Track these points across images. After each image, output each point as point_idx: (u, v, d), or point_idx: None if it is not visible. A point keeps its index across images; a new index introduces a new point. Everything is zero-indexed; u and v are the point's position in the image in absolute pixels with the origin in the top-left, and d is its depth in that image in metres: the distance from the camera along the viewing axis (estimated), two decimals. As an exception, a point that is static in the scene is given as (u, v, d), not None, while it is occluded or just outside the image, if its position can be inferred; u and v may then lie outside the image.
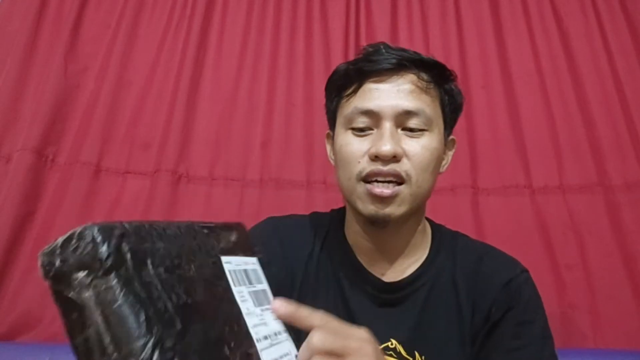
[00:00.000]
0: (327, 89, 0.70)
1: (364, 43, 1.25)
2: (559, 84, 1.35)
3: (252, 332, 0.37)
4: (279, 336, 0.40)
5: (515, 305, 0.62)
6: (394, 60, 0.62)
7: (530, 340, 0.60)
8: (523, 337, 0.60)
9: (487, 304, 0.63)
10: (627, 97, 1.29)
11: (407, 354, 0.62)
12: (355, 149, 0.62)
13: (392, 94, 0.61)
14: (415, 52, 0.64)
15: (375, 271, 0.67)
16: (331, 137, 0.71)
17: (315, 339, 0.36)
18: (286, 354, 0.39)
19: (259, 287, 0.42)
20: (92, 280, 0.28)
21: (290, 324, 0.40)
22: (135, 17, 1.44)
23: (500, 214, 1.26)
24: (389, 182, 0.60)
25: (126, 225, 0.31)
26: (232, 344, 0.34)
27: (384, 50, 0.63)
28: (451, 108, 0.68)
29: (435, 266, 0.67)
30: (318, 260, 0.69)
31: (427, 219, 0.72)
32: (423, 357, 0.62)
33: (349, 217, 0.70)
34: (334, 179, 0.69)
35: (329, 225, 0.73)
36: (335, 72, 0.68)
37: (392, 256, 0.67)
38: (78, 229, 0.29)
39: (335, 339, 0.37)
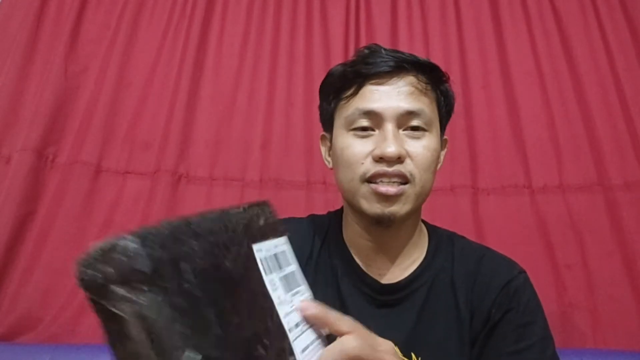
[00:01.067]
0: (323, 91, 0.70)
1: (364, 44, 1.25)
2: (559, 83, 1.35)
3: (284, 322, 0.36)
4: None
5: (515, 307, 0.62)
6: (392, 63, 0.62)
7: (531, 342, 0.60)
8: (524, 339, 0.60)
9: (487, 305, 0.63)
10: (626, 96, 1.29)
11: (404, 355, 0.62)
12: (357, 150, 0.62)
13: (392, 96, 0.62)
14: (411, 55, 0.65)
15: (373, 272, 0.67)
16: (327, 139, 0.71)
17: (350, 344, 0.37)
18: (315, 339, 0.39)
19: (289, 269, 0.41)
20: (132, 294, 0.28)
21: (317, 325, 0.40)
22: (135, 18, 1.44)
23: (500, 213, 1.26)
24: (393, 181, 0.60)
25: (162, 230, 0.30)
26: (266, 341, 0.34)
27: (383, 52, 0.64)
28: (446, 109, 0.69)
29: (434, 267, 0.67)
30: (316, 262, 0.69)
31: (422, 220, 0.72)
32: (419, 359, 0.62)
33: (348, 218, 0.70)
34: (334, 179, 0.69)
35: (327, 227, 0.73)
36: (330, 75, 0.68)
37: (391, 257, 0.67)
38: (116, 240, 0.28)
39: (369, 350, 0.38)
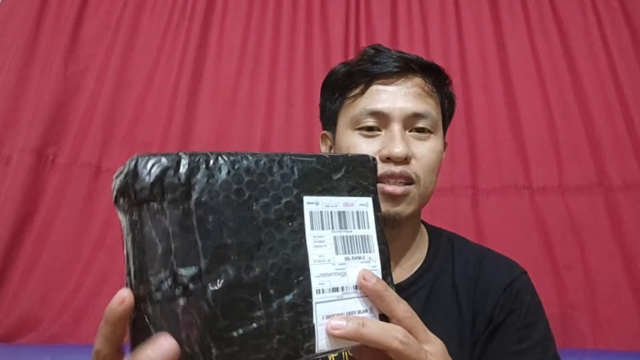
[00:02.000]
0: (326, 89, 0.70)
1: (364, 44, 1.25)
2: (559, 84, 1.35)
3: (315, 281, 0.34)
4: (358, 291, 0.36)
5: (518, 308, 0.62)
6: (401, 63, 0.62)
7: (534, 343, 0.61)
8: (526, 341, 0.61)
9: (490, 306, 0.63)
10: (626, 97, 1.29)
11: None
12: (364, 149, 0.62)
13: (400, 97, 0.62)
14: (417, 56, 0.65)
15: None
16: (328, 138, 0.71)
17: (399, 336, 0.34)
18: (360, 311, 0.36)
19: (357, 232, 0.38)
20: (128, 207, 0.31)
21: (371, 299, 0.37)
22: (135, 18, 1.44)
23: (499, 214, 1.26)
24: (399, 182, 0.60)
25: (182, 155, 0.31)
26: (272, 291, 0.32)
27: (394, 52, 0.64)
28: (449, 112, 0.69)
29: (434, 268, 0.67)
30: None
31: (422, 221, 0.72)
32: None
33: None
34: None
35: None
36: (334, 73, 0.68)
37: (393, 258, 0.67)
38: (132, 157, 0.31)
39: (414, 353, 0.35)
